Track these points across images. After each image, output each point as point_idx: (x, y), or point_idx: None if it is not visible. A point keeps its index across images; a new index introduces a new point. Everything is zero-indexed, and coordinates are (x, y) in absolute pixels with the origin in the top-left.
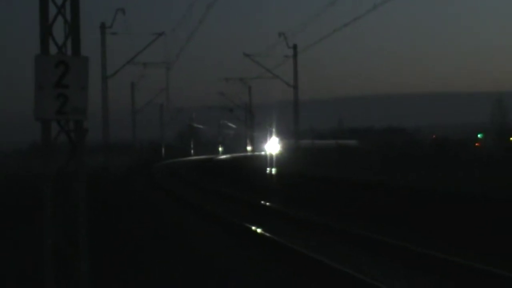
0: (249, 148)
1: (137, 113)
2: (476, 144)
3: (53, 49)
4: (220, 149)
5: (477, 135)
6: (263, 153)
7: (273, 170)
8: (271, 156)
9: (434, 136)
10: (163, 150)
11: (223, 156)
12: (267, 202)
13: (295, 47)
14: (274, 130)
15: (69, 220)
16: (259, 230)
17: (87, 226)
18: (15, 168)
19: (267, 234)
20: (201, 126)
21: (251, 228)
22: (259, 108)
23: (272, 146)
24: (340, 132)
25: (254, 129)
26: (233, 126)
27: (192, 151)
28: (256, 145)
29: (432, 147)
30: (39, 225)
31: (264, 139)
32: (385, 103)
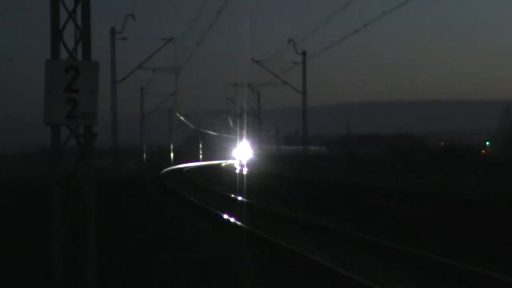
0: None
1: (145, 118)
2: (483, 151)
3: (63, 54)
4: (228, 154)
5: (485, 142)
6: (230, 160)
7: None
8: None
9: (442, 144)
10: (171, 154)
11: (224, 162)
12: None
13: (304, 53)
14: (244, 133)
15: (71, 221)
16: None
17: (95, 228)
18: (18, 171)
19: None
20: (209, 131)
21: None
22: (267, 113)
23: (243, 151)
24: (348, 138)
25: (261, 134)
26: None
27: (200, 155)
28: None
29: (434, 152)
30: (42, 227)
31: (266, 143)
32: (395, 109)
